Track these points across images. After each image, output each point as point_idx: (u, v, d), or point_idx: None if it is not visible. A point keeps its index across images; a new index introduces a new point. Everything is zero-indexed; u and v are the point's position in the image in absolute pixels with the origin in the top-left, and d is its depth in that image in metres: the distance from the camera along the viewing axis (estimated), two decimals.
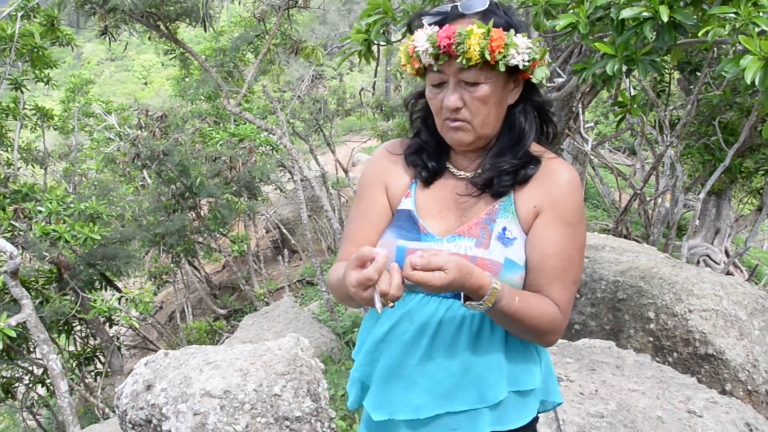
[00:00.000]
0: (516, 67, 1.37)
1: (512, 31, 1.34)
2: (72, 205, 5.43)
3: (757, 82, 1.79)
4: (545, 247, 1.38)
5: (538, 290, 1.39)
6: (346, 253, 1.51)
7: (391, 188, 1.53)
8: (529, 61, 1.36)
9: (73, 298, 5.93)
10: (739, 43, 1.91)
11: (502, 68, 1.35)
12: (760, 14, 1.86)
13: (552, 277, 1.38)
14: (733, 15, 1.92)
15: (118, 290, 6.95)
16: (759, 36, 1.89)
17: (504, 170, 1.41)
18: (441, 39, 1.32)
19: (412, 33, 1.41)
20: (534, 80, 1.43)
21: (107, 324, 6.76)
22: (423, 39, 1.35)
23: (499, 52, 1.32)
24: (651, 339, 3.70)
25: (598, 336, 3.95)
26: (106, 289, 6.89)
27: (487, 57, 1.31)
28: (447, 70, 1.36)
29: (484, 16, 1.35)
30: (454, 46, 1.31)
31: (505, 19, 1.37)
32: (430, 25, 1.36)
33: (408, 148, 1.55)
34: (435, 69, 1.36)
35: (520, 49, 1.35)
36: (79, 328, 6.97)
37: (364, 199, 1.56)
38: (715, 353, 3.45)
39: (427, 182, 1.49)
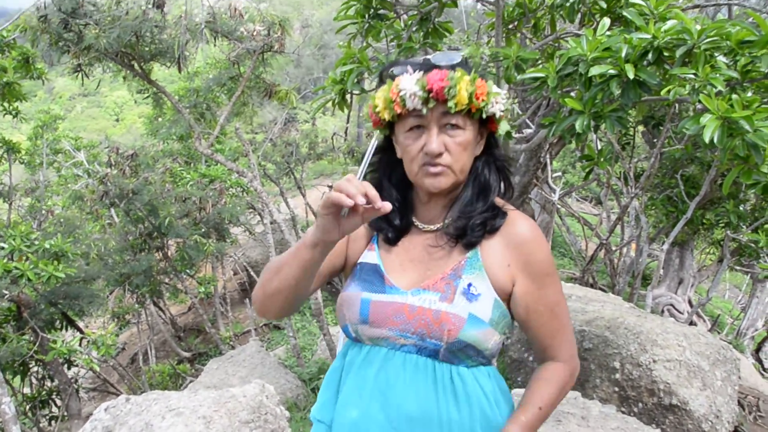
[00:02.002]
0: (485, 119, 1.41)
1: (490, 82, 1.39)
2: (36, 243, 5.31)
3: (715, 141, 1.86)
4: (537, 306, 1.42)
5: (544, 350, 1.47)
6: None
7: (353, 237, 1.53)
8: (503, 111, 1.41)
9: (31, 338, 5.75)
10: (699, 101, 1.99)
11: (483, 116, 1.39)
12: (717, 76, 1.94)
13: (553, 333, 1.45)
14: (692, 75, 2.00)
15: (80, 330, 6.77)
16: (716, 96, 1.97)
17: (474, 220, 1.43)
18: (434, 83, 1.34)
19: (383, 82, 1.44)
20: (499, 132, 1.47)
21: (66, 365, 6.56)
22: (411, 83, 1.36)
23: (483, 100, 1.36)
24: (617, 389, 3.72)
25: None
26: (67, 329, 6.70)
27: (474, 102, 1.35)
28: (430, 115, 1.37)
29: (455, 69, 1.38)
30: (445, 90, 1.33)
31: (476, 72, 1.41)
32: (412, 72, 1.38)
33: None
34: (423, 112, 1.36)
35: (499, 98, 1.39)
36: (36, 369, 6.74)
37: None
38: (679, 403, 3.48)
39: (393, 242, 1.49)
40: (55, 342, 5.40)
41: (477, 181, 1.47)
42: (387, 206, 1.16)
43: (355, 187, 1.15)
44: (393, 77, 1.41)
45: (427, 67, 1.40)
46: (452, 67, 1.39)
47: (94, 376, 8.94)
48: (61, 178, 11.42)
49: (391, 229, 1.49)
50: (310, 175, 16.54)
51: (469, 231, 1.42)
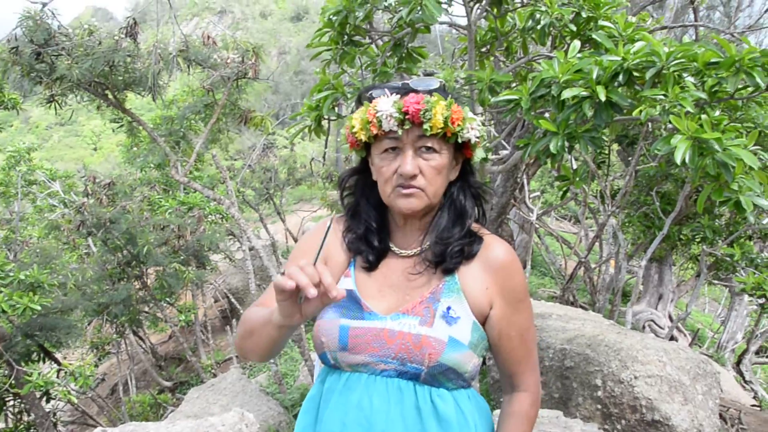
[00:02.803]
0: (461, 145, 1.43)
1: (466, 108, 1.41)
2: (11, 274, 5.22)
3: (687, 160, 1.89)
4: (509, 330, 1.45)
5: (510, 376, 1.50)
6: (262, 300, 1.49)
7: (329, 265, 1.52)
8: (478, 137, 1.43)
9: (6, 372, 5.62)
10: (670, 122, 2.02)
11: (459, 140, 1.40)
12: (686, 96, 1.98)
13: (521, 359, 1.48)
14: (662, 96, 2.04)
15: (57, 362, 6.63)
16: (686, 116, 2.00)
17: (453, 247, 1.43)
18: (409, 105, 1.35)
19: (361, 105, 1.45)
20: (475, 158, 1.48)
21: (43, 398, 6.41)
22: (388, 105, 1.37)
23: (458, 125, 1.38)
24: (599, 406, 3.72)
25: (547, 404, 3.95)
26: (44, 361, 6.56)
27: (450, 127, 1.37)
28: (405, 137, 1.38)
29: (431, 94, 1.40)
30: (421, 113, 1.35)
31: (453, 98, 1.43)
32: (390, 95, 1.40)
33: (348, 232, 1.54)
34: (399, 134, 1.37)
35: (474, 124, 1.41)
36: (12, 402, 6.58)
37: (293, 262, 1.54)
38: (661, 419, 3.48)
39: (373, 265, 1.48)
40: (30, 375, 5.28)
41: (453, 207, 1.49)
42: (341, 294, 1.13)
43: (307, 276, 1.10)
44: (371, 99, 1.43)
45: (405, 91, 1.42)
46: (429, 92, 1.41)
47: (73, 408, 8.74)
48: (36, 208, 11.27)
49: (371, 251, 1.49)
50: (289, 201, 16.52)
51: (448, 258, 1.43)
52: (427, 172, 1.40)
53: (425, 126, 1.36)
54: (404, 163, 1.38)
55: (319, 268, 1.12)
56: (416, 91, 1.40)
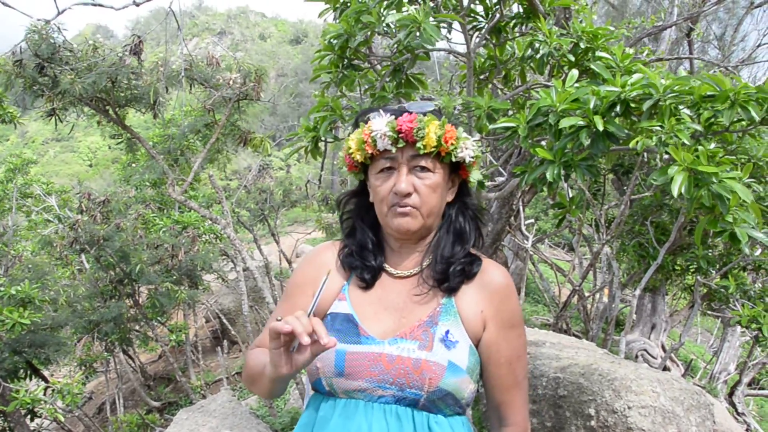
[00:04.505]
0: (456, 165, 1.45)
1: (460, 129, 1.43)
2: (2, 289, 5.19)
3: (683, 192, 1.91)
4: (498, 357, 1.44)
5: (498, 407, 1.47)
6: (261, 341, 1.50)
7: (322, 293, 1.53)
8: (473, 158, 1.44)
9: None
10: (667, 152, 2.05)
11: (453, 159, 1.42)
12: (683, 128, 2.01)
13: (509, 387, 1.46)
14: (659, 128, 2.06)
15: (45, 379, 6.56)
16: (682, 147, 2.03)
17: (455, 267, 1.44)
18: (403, 124, 1.38)
19: (358, 127, 1.47)
20: (471, 179, 1.50)
21: (29, 417, 6.32)
22: (382, 124, 1.40)
23: (452, 144, 1.40)
24: None
25: None
26: (31, 379, 6.48)
27: (443, 145, 1.38)
28: (400, 156, 1.40)
29: (425, 115, 1.43)
30: (414, 131, 1.37)
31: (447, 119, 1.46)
32: (385, 115, 1.42)
33: (344, 249, 1.55)
34: (393, 152, 1.40)
35: (468, 144, 1.43)
36: None
37: (291, 298, 1.55)
38: None
39: (369, 283, 1.49)
40: (17, 392, 5.22)
41: (452, 228, 1.50)
42: (332, 342, 1.16)
43: (302, 325, 1.14)
44: (366, 121, 1.45)
45: (401, 113, 1.43)
46: (424, 114, 1.42)
47: (58, 427, 8.63)
48: (30, 222, 11.23)
49: (366, 269, 1.49)
50: (284, 222, 16.53)
51: (451, 277, 1.43)
52: (422, 191, 1.41)
53: (418, 144, 1.38)
54: (399, 181, 1.40)
55: (313, 319, 1.16)
56: (410, 114, 1.43)
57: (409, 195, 1.40)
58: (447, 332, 1.39)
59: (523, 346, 1.49)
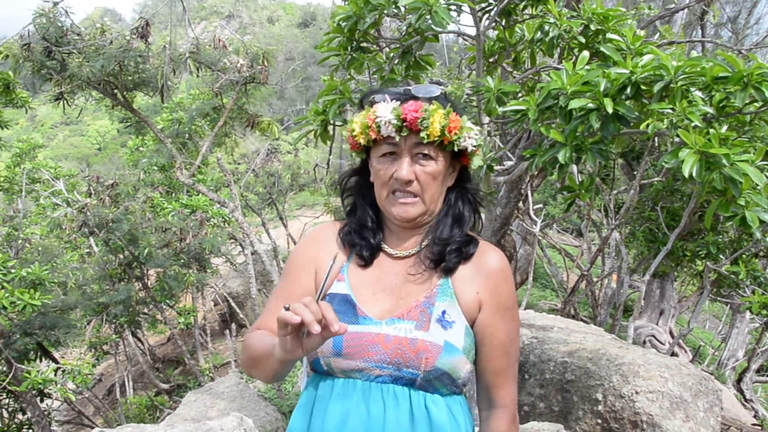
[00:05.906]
0: (459, 152, 1.44)
1: (464, 117, 1.42)
2: (13, 271, 5.22)
3: (694, 174, 1.89)
4: (492, 339, 1.45)
5: (488, 389, 1.48)
6: (263, 323, 1.49)
7: (321, 273, 1.52)
8: (475, 146, 1.44)
9: (4, 369, 5.61)
10: (678, 135, 2.02)
11: (455, 148, 1.41)
12: (694, 110, 1.98)
13: (500, 370, 1.47)
14: (670, 110, 2.04)
15: (55, 361, 6.62)
16: (694, 129, 2.00)
17: (451, 246, 1.44)
18: (408, 113, 1.37)
19: (363, 108, 1.46)
20: (472, 166, 1.50)
21: (39, 398, 6.39)
22: (387, 111, 1.39)
23: (455, 133, 1.39)
24: (599, 421, 3.70)
25: (547, 418, 3.93)
26: (41, 360, 6.55)
27: (447, 135, 1.38)
28: (403, 143, 1.40)
29: (431, 102, 1.42)
30: (419, 121, 1.36)
31: (452, 106, 1.44)
32: (390, 101, 1.41)
33: (344, 227, 1.56)
34: (396, 140, 1.39)
35: (472, 134, 1.43)
36: (7, 401, 6.56)
37: (290, 278, 1.55)
38: None
39: (368, 261, 1.49)
40: (29, 372, 5.27)
41: (452, 212, 1.50)
42: (343, 328, 1.15)
43: (311, 313, 1.12)
44: (372, 104, 1.44)
45: (406, 97, 1.43)
46: (429, 100, 1.42)
47: (69, 408, 8.73)
48: (39, 206, 11.29)
49: (365, 247, 1.50)
50: (292, 206, 16.55)
51: (447, 256, 1.44)
52: (423, 179, 1.42)
53: (422, 134, 1.38)
54: (400, 168, 1.40)
55: (322, 304, 1.15)
56: (417, 98, 1.42)
57: (410, 182, 1.41)
58: (443, 312, 1.40)
59: (517, 329, 1.51)
